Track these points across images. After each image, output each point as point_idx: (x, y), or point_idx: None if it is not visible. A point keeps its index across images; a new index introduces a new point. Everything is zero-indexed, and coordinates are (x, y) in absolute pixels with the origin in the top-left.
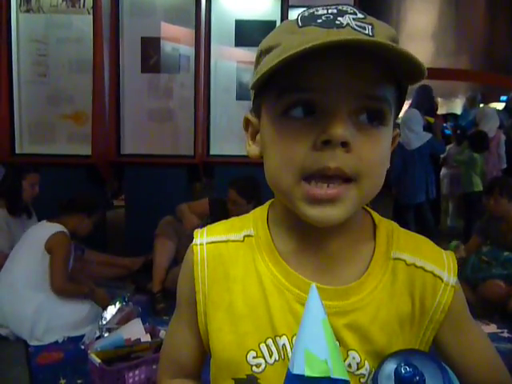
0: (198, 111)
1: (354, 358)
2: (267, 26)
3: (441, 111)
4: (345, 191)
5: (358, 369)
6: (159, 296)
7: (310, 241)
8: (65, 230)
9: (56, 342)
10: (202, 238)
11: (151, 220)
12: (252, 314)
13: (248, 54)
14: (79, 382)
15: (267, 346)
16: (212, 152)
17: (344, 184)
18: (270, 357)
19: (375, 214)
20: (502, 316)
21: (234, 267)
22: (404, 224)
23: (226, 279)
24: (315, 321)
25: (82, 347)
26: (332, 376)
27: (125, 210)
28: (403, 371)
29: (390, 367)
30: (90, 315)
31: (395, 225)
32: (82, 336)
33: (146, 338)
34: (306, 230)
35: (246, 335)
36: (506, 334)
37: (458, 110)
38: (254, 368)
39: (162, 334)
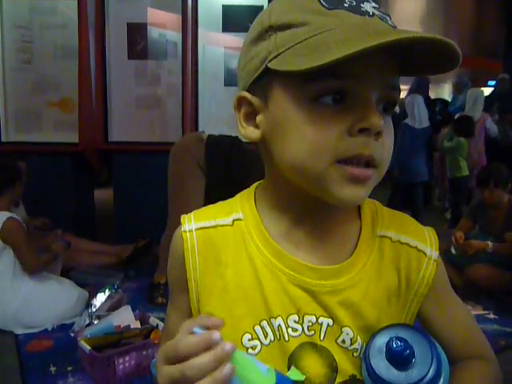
0: (185, 98)
1: (347, 333)
2: (254, 11)
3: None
4: (373, 172)
5: (351, 344)
6: (162, 288)
7: (301, 222)
8: (9, 215)
9: (45, 330)
10: (190, 224)
11: (140, 207)
12: (246, 298)
13: (235, 40)
14: (69, 368)
15: (262, 327)
16: None
17: (371, 168)
18: (266, 338)
19: None
20: (488, 298)
21: (224, 252)
22: (409, 202)
23: (218, 264)
24: None
25: (72, 335)
26: None
27: (113, 197)
28: (394, 345)
29: (380, 341)
30: (78, 303)
31: (378, 204)
32: (72, 324)
33: (136, 324)
34: (299, 211)
35: (241, 318)
36: (491, 316)
37: (447, 95)
38: (250, 350)
39: (152, 320)
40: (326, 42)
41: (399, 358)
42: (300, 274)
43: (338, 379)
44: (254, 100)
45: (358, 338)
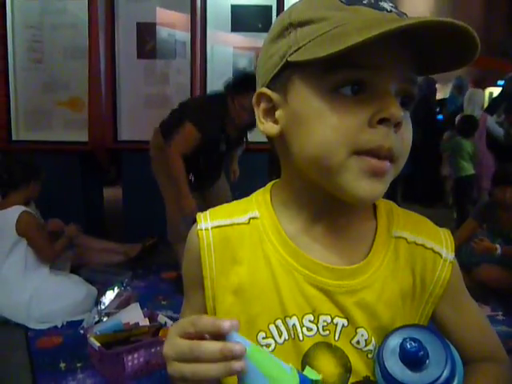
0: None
1: (362, 335)
2: (263, 11)
3: (436, 96)
4: (390, 168)
5: (366, 345)
6: None
7: (317, 222)
8: (23, 208)
9: (55, 327)
10: (206, 222)
11: (149, 206)
12: (261, 296)
13: (244, 40)
14: (79, 365)
15: (276, 326)
16: None
17: (389, 162)
18: (280, 337)
19: None
20: (497, 299)
21: (240, 250)
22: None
23: (234, 262)
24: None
25: (81, 332)
26: None
27: (122, 196)
28: (409, 346)
29: (394, 342)
30: (87, 300)
31: (393, 204)
32: (81, 321)
33: (145, 322)
34: (315, 210)
35: (256, 317)
36: (500, 317)
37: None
38: (265, 348)
39: (160, 318)
40: (346, 30)
41: (413, 359)
42: (316, 273)
43: (352, 380)
44: (274, 95)
45: (373, 339)
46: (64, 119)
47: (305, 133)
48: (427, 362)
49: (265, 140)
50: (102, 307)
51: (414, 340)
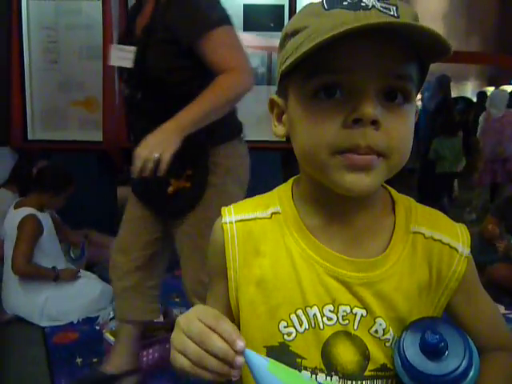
0: None
1: (380, 324)
2: (276, 11)
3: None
4: (376, 162)
5: (383, 334)
6: None
7: (336, 216)
8: (31, 213)
9: (71, 323)
10: (231, 216)
11: None
12: (283, 287)
13: (257, 39)
14: (95, 360)
15: (297, 316)
16: None
17: (375, 156)
18: (301, 326)
19: (393, 191)
20: (510, 298)
21: (263, 243)
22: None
23: (256, 255)
24: (263, 372)
25: (97, 327)
26: None
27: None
28: (430, 337)
29: (414, 333)
30: (102, 296)
31: (412, 200)
32: (97, 317)
33: (159, 319)
34: (333, 204)
35: (277, 307)
36: None
37: (469, 94)
38: (286, 336)
39: (175, 314)
40: (309, 38)
41: (434, 350)
42: (335, 265)
43: (370, 367)
44: (280, 101)
45: (390, 328)
46: (79, 119)
47: (294, 136)
48: (446, 352)
49: (277, 139)
50: None
51: (435, 332)
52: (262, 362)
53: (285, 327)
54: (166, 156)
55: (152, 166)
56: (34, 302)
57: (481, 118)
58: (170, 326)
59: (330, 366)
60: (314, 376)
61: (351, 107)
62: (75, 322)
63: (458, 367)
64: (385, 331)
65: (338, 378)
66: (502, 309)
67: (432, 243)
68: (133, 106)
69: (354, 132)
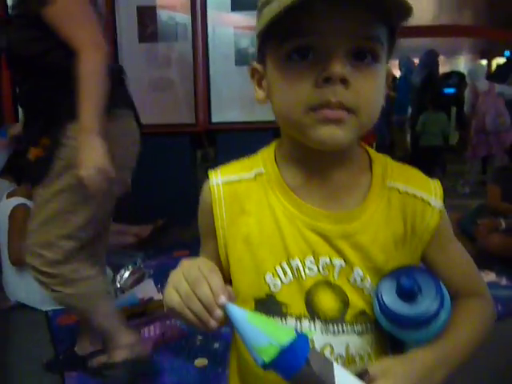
0: (197, 79)
1: (358, 273)
2: None
3: (444, 69)
4: (346, 117)
5: (361, 282)
6: None
7: (315, 173)
8: (22, 202)
9: None
10: (217, 178)
11: (157, 188)
12: (267, 242)
13: (245, 19)
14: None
15: (282, 268)
16: (214, 120)
17: (345, 112)
18: (285, 277)
19: (371, 150)
20: (501, 266)
21: (248, 203)
22: None
23: (242, 214)
24: (242, 323)
25: None
26: (283, 347)
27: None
28: (404, 281)
29: (391, 280)
30: None
31: (389, 158)
32: None
33: (159, 296)
34: (312, 162)
35: (263, 260)
36: (504, 282)
37: (461, 68)
38: (272, 288)
39: None
40: (274, 6)
41: (408, 293)
42: (315, 220)
43: (350, 313)
44: (259, 67)
45: (368, 277)
46: None
47: (272, 98)
48: (420, 296)
49: (269, 119)
50: (117, 285)
51: (409, 276)
52: (242, 315)
53: (271, 279)
54: (101, 164)
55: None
56: (33, 287)
57: (466, 94)
58: None
59: (312, 313)
60: (298, 322)
61: (322, 67)
62: None
63: (430, 309)
64: (362, 280)
65: (320, 323)
66: (493, 276)
67: (406, 198)
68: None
69: (325, 90)
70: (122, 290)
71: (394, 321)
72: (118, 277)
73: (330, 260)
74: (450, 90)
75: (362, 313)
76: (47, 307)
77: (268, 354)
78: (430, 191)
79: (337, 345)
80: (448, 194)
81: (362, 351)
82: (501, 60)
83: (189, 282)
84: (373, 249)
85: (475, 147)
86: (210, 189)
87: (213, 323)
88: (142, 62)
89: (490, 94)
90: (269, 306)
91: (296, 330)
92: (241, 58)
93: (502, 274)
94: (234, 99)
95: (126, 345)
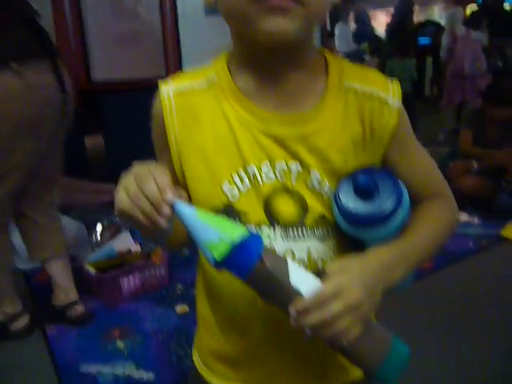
0: (165, 31)
1: (315, 176)
2: None
3: (418, 19)
4: (294, 7)
5: (320, 186)
6: None
7: (268, 76)
8: None
9: None
10: (168, 87)
11: (131, 145)
12: (222, 150)
13: None
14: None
15: (239, 175)
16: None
17: (291, 1)
18: (243, 185)
19: (328, 54)
20: (473, 206)
21: (201, 112)
22: None
23: (196, 123)
24: (192, 220)
25: (77, 265)
26: (234, 243)
27: (103, 138)
28: (360, 179)
29: (348, 182)
30: (78, 236)
31: (346, 61)
32: (76, 256)
33: (136, 248)
34: (264, 64)
35: (219, 169)
36: (475, 221)
37: (436, 17)
38: (230, 197)
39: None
40: None
41: (365, 190)
42: (269, 124)
43: (309, 218)
44: None
45: (326, 181)
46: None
47: None
48: (377, 193)
49: None
50: (94, 240)
51: (366, 174)
52: (189, 211)
53: (228, 188)
54: None
55: None
56: None
57: (443, 39)
58: (147, 254)
59: (272, 219)
60: (258, 229)
61: None
62: None
63: (388, 205)
64: (320, 183)
65: (280, 229)
66: (465, 216)
67: (364, 98)
68: None
69: None
70: (99, 246)
71: (352, 221)
72: (95, 232)
73: (287, 165)
74: (425, 40)
75: (322, 217)
76: (23, 265)
77: (219, 250)
78: (387, 90)
79: (298, 250)
80: (423, 143)
81: (324, 256)
82: (474, 7)
83: (136, 181)
84: (330, 151)
85: (450, 93)
86: (160, 100)
87: (161, 221)
88: (107, 14)
89: (467, 39)
90: (227, 215)
91: (248, 228)
92: (210, 7)
93: (474, 213)
94: (205, 50)
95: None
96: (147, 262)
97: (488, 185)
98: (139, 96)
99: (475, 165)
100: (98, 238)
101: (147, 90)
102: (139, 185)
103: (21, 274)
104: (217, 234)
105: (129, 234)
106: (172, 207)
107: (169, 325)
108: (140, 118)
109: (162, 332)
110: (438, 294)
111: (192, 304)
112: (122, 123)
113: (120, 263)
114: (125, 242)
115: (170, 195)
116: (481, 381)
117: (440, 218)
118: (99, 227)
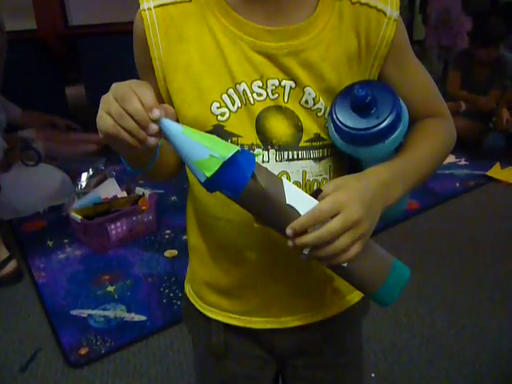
0: None
1: (309, 93)
2: None
3: None
4: None
5: (314, 104)
6: None
7: None
8: None
9: (37, 213)
10: (148, 2)
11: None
12: (210, 69)
13: None
14: (65, 241)
15: (229, 95)
16: None
17: None
18: (233, 105)
19: None
20: (460, 147)
21: (186, 27)
22: None
23: (180, 40)
24: (181, 138)
25: (64, 214)
26: (225, 159)
27: (84, 85)
28: (358, 91)
29: (345, 96)
30: (64, 185)
31: None
32: (62, 205)
33: (123, 194)
34: None
35: (208, 89)
36: (462, 162)
37: None
38: (220, 117)
39: (138, 190)
40: None
41: (362, 105)
42: (259, 39)
43: (304, 138)
44: None
45: (320, 98)
46: (8, 5)
47: None
48: (375, 108)
49: None
50: (80, 188)
51: (363, 87)
52: (177, 128)
53: (217, 108)
54: None
55: None
56: None
57: None
58: (134, 199)
59: (265, 140)
60: (250, 151)
61: None
62: (41, 211)
63: (386, 120)
64: (315, 101)
65: (274, 150)
66: (452, 157)
67: (359, 8)
68: None
69: None
70: (85, 194)
71: (349, 138)
72: (80, 179)
73: (279, 82)
74: None
75: (317, 137)
76: (9, 216)
77: (209, 166)
78: (385, 0)
79: (293, 172)
80: None
81: (320, 177)
82: None
83: (118, 101)
84: (324, 66)
85: (428, 38)
86: (141, 15)
87: (151, 140)
88: None
89: None
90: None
91: (240, 146)
92: None
93: (461, 155)
94: None
95: None
96: (134, 208)
97: (476, 126)
98: (119, 40)
99: (463, 106)
100: (83, 185)
101: (127, 33)
102: (122, 104)
103: (7, 225)
104: (207, 151)
105: (114, 181)
106: (159, 125)
107: (158, 269)
108: (120, 63)
109: (152, 276)
110: (425, 234)
111: (181, 249)
112: (101, 69)
113: (107, 210)
114: (111, 188)
115: (156, 112)
116: (467, 309)
117: (438, 136)
118: (84, 175)
